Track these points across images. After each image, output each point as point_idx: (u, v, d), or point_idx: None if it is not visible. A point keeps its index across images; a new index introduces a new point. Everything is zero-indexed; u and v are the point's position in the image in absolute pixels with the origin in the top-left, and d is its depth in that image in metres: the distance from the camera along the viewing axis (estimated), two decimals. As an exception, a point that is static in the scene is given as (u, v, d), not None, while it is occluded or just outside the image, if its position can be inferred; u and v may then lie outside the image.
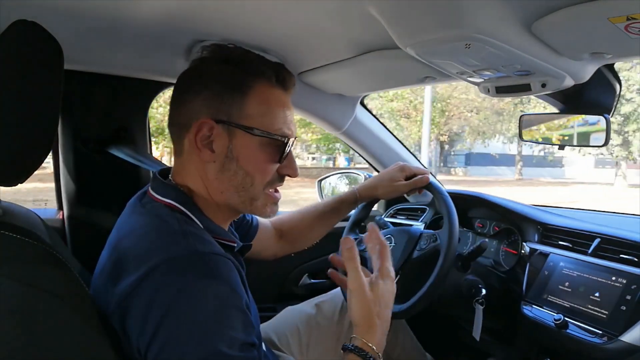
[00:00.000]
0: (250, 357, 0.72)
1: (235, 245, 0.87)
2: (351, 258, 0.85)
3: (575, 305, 1.14)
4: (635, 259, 1.12)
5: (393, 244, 1.29)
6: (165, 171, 0.92)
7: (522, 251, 1.37)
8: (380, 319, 0.84)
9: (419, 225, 1.65)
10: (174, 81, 0.90)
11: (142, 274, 0.71)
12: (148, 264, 0.71)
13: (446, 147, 23.29)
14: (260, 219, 1.30)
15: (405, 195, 1.38)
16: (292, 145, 0.87)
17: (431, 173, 1.41)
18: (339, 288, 1.39)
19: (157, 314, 0.68)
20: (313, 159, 23.26)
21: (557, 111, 1.26)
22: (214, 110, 0.81)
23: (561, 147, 1.27)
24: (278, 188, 0.92)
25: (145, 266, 0.71)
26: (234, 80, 0.83)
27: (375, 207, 1.51)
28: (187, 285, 0.70)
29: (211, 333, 0.69)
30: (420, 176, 1.28)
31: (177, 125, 0.86)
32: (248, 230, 1.23)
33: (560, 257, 1.26)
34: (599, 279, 1.13)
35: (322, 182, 1.97)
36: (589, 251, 1.21)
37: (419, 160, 1.86)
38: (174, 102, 0.87)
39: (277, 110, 0.86)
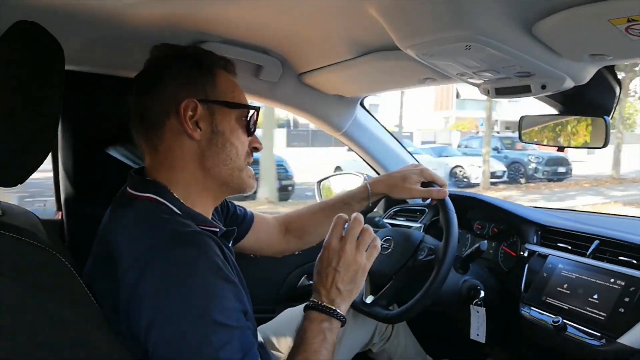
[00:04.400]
0: (246, 326, 0.75)
1: (218, 230, 0.88)
2: (339, 220, 0.96)
3: (574, 307, 1.13)
4: (634, 261, 1.12)
5: (392, 248, 1.28)
6: (140, 169, 0.94)
7: (521, 253, 1.37)
8: (339, 282, 0.89)
9: (417, 227, 1.65)
10: None
11: (126, 266, 0.73)
12: (130, 255, 0.74)
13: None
14: (260, 215, 1.31)
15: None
16: (257, 117, 0.95)
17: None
18: None
19: (149, 300, 0.70)
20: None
21: (556, 112, 1.26)
22: (192, 91, 0.87)
23: (560, 149, 1.28)
24: None
25: (127, 258, 0.73)
26: (201, 65, 0.90)
27: (374, 209, 1.50)
28: (172, 267, 0.72)
29: (206, 307, 0.71)
30: (438, 188, 1.23)
31: (153, 115, 0.87)
32: (240, 224, 1.23)
33: (559, 258, 1.26)
34: (598, 281, 1.13)
35: (322, 183, 1.96)
36: (588, 253, 1.21)
37: (417, 162, 1.86)
38: (145, 95, 0.88)
39: (240, 90, 0.95)
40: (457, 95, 28.96)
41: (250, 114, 0.93)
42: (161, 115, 0.86)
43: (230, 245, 0.94)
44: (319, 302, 0.89)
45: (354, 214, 0.96)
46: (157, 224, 0.78)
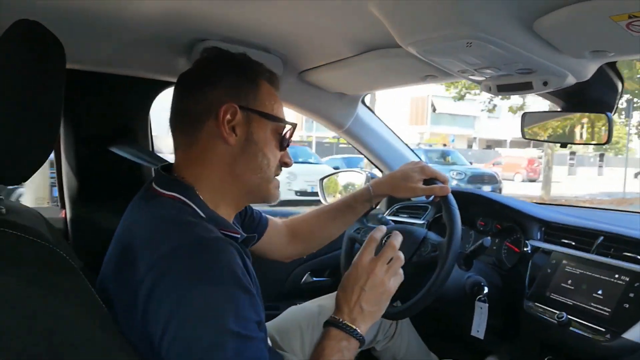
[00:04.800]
0: (260, 337, 0.75)
1: (239, 236, 0.88)
2: (373, 239, 0.95)
3: (578, 303, 1.13)
4: (639, 257, 1.11)
5: None
6: (166, 167, 0.94)
7: (525, 249, 1.37)
8: (363, 301, 0.88)
9: (420, 224, 1.65)
10: (175, 80, 0.91)
11: (148, 264, 0.72)
12: (153, 254, 0.73)
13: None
14: (271, 219, 1.31)
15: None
16: (292, 134, 0.96)
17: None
18: None
19: (167, 302, 0.70)
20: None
21: (559, 109, 1.26)
22: (234, 97, 0.87)
23: (563, 145, 1.27)
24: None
25: (150, 256, 0.73)
26: (247, 73, 0.91)
27: (377, 207, 1.50)
28: (192, 271, 0.72)
29: (223, 315, 0.70)
30: (440, 185, 1.22)
31: (193, 115, 0.88)
32: (256, 227, 1.23)
33: (563, 254, 1.25)
34: (602, 277, 1.13)
35: (324, 181, 1.96)
36: (592, 249, 1.21)
37: (420, 159, 1.86)
38: (188, 94, 0.89)
39: (280, 104, 0.95)
40: (434, 109, 27.36)
41: (286, 129, 0.94)
42: (201, 116, 0.87)
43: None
44: (340, 320, 0.88)
45: (390, 239, 0.95)
46: (182, 227, 0.78)
